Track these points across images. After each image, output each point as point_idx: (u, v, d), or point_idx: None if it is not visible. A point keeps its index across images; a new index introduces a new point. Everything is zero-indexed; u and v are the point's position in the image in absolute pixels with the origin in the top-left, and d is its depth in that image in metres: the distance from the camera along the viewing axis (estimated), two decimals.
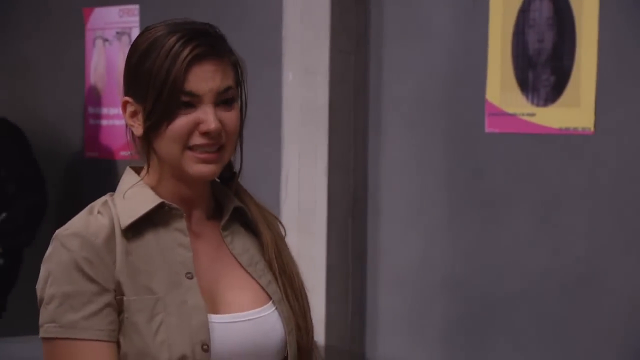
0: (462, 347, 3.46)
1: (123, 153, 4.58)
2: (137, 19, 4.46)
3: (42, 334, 1.54)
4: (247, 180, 4.94)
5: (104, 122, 4.71)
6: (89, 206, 1.59)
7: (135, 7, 4.49)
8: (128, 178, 1.62)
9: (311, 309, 1.67)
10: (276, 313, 1.62)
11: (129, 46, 1.63)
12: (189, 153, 1.56)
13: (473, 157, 3.41)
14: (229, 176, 1.68)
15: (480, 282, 3.41)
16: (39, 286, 1.55)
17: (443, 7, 3.46)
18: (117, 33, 4.59)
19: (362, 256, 3.70)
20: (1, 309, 4.46)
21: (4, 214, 3.96)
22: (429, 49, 3.50)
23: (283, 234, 1.72)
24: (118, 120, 4.62)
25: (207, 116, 1.55)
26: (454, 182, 3.46)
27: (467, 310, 3.44)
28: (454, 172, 3.46)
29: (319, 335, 3.63)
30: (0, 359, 3.88)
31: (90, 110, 4.76)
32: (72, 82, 4.84)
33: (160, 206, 1.58)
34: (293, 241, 4.54)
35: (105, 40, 4.66)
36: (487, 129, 3.35)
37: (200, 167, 1.57)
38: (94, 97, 4.74)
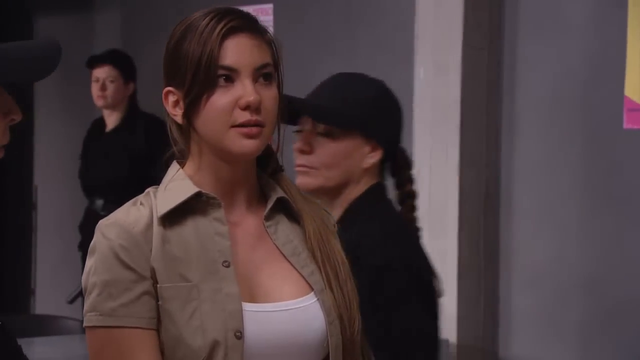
0: (598, 347, 3.40)
1: None
2: (271, 18, 4.52)
3: (84, 323, 1.54)
4: None
5: None
6: (134, 198, 1.60)
7: (269, 7, 4.55)
8: (171, 170, 1.62)
9: (357, 300, 1.62)
10: (317, 303, 1.58)
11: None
12: (232, 130, 1.54)
13: (610, 154, 3.34)
14: (273, 168, 1.64)
15: (616, 280, 3.34)
16: (83, 277, 1.55)
17: (580, 0, 3.40)
18: None
19: (494, 254, 3.66)
20: None
21: None
22: (565, 44, 3.44)
23: (333, 226, 1.67)
24: None
25: (246, 89, 1.53)
26: (590, 179, 3.40)
27: (603, 310, 3.37)
28: (590, 169, 3.40)
29: (451, 333, 3.62)
30: None
31: None
32: None
33: (198, 195, 1.56)
34: (424, 238, 4.53)
35: None
36: (625, 125, 3.28)
37: (243, 143, 1.53)
38: None
